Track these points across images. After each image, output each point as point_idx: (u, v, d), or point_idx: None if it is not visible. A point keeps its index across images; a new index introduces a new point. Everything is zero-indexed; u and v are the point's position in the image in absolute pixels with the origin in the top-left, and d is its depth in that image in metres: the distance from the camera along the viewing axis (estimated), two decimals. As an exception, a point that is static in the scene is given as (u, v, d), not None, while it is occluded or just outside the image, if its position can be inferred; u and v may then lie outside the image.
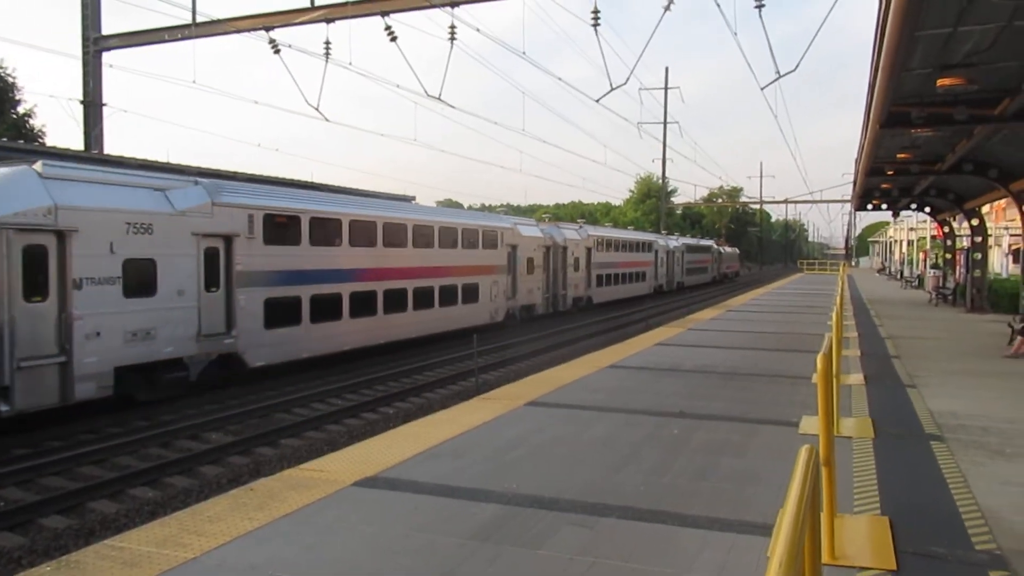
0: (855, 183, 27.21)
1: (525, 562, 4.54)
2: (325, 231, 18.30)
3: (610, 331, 27.91)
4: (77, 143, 21.57)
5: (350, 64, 20.74)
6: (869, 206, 32.46)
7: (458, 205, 79.96)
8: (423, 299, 22.08)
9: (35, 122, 30.25)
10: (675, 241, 56.88)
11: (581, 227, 37.48)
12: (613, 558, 4.59)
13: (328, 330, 18.11)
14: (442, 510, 5.44)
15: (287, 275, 16.91)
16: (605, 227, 47.09)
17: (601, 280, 38.10)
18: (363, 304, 19.38)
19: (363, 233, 19.64)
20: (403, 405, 15.12)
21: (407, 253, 21.38)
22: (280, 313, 16.59)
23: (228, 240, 15.41)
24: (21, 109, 29.84)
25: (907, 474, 6.50)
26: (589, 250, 36.31)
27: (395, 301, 20.69)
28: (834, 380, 7.01)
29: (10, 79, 29.43)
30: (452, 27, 19.11)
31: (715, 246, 73.06)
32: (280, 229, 16.86)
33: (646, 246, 47.45)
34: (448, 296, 23.55)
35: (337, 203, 19.17)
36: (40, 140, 28.89)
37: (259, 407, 14.16)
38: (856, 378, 11.30)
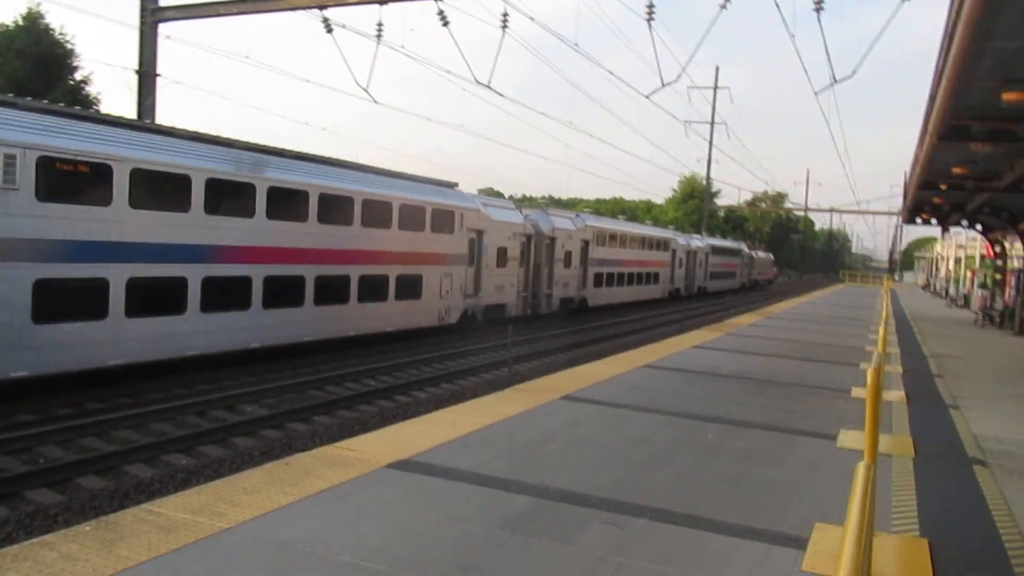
0: (905, 195, 26.67)
1: (555, 557, 4.51)
2: (161, 191, 13.60)
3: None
4: (131, 112, 21.90)
5: (402, 47, 20.72)
6: (918, 220, 31.76)
7: (499, 194, 79.86)
8: (332, 291, 17.31)
9: (91, 89, 30.85)
10: (698, 240, 51.89)
11: (577, 216, 32.58)
12: (644, 559, 4.55)
13: (161, 327, 13.42)
14: (474, 498, 5.44)
15: (82, 247, 12.30)
16: (610, 218, 41.20)
17: (600, 280, 33.19)
18: (227, 293, 14.69)
19: (231, 198, 14.85)
20: (435, 390, 15.17)
21: (307, 230, 16.59)
22: (67, 301, 12.15)
23: None
24: (78, 76, 30.42)
25: (948, 497, 6.36)
26: (586, 243, 31.43)
27: (285, 291, 16.00)
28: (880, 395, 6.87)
29: (68, 46, 30.01)
30: (505, 14, 19.08)
31: (745, 249, 67.55)
32: (73, 181, 12.29)
33: (661, 244, 42.34)
34: (372, 289, 18.50)
35: (189, 154, 14.17)
36: (95, 107, 29.46)
37: (294, 383, 14.31)
38: (897, 395, 11.08)
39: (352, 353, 17.86)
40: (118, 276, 12.76)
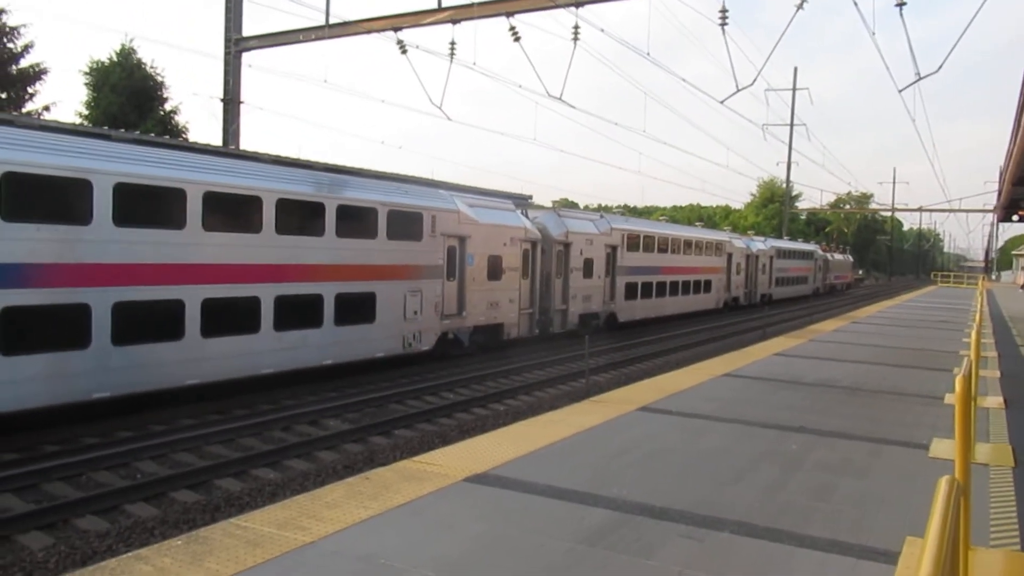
0: (999, 193, 25.52)
1: (634, 571, 4.47)
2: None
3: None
4: (216, 139, 22.86)
5: (474, 64, 20.99)
6: (1015, 217, 30.34)
7: (574, 205, 79.69)
8: (233, 317, 13.52)
9: (179, 118, 32.25)
10: (760, 243, 46.55)
11: (601, 217, 28.40)
12: (725, 574, 4.46)
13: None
14: (551, 512, 5.43)
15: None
16: (642, 219, 36.38)
17: (633, 291, 28.95)
18: (52, 329, 11.00)
19: (50, 197, 11.01)
20: (513, 403, 15.23)
21: (187, 240, 12.70)
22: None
23: None
24: (168, 106, 31.85)
25: (1051, 509, 6.02)
26: (613, 249, 27.35)
27: (152, 321, 12.25)
28: (972, 402, 6.57)
29: (159, 78, 31.48)
30: (576, 27, 19.12)
31: (819, 251, 61.77)
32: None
33: (712, 247, 37.39)
34: (296, 313, 14.64)
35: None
36: (184, 136, 30.78)
37: (375, 397, 14.58)
38: (995, 401, 10.57)
39: (429, 367, 18.10)
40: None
